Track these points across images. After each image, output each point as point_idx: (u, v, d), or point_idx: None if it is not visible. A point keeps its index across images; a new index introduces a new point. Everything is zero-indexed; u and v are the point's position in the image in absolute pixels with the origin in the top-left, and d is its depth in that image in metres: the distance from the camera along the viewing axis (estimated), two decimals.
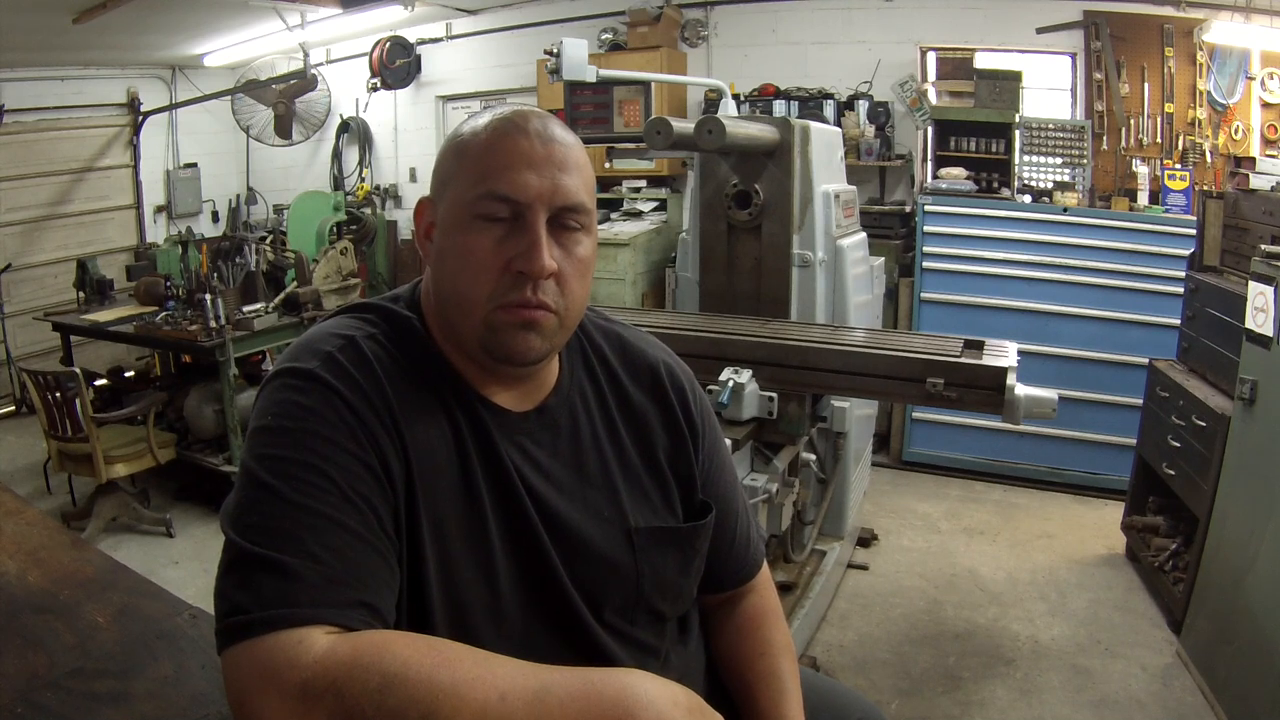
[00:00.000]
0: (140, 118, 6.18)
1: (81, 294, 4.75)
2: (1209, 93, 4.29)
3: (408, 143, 6.38)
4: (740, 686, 1.05)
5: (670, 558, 0.99)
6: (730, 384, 2.26)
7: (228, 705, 0.78)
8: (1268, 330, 2.35)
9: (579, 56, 2.65)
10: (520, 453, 0.91)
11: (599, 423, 0.99)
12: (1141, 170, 4.34)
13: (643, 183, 5.45)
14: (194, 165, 6.63)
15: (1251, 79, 4.25)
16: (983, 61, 4.65)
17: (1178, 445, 2.97)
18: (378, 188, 6.48)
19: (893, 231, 4.67)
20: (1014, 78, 4.51)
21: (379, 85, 6.07)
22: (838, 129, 3.94)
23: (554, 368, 0.98)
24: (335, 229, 5.71)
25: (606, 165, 5.01)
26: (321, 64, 6.33)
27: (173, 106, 6.29)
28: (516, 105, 0.93)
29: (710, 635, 1.11)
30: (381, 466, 0.81)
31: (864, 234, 3.26)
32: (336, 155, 6.61)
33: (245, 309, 4.01)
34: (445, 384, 0.90)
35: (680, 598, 1.02)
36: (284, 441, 0.79)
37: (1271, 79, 4.22)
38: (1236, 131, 4.29)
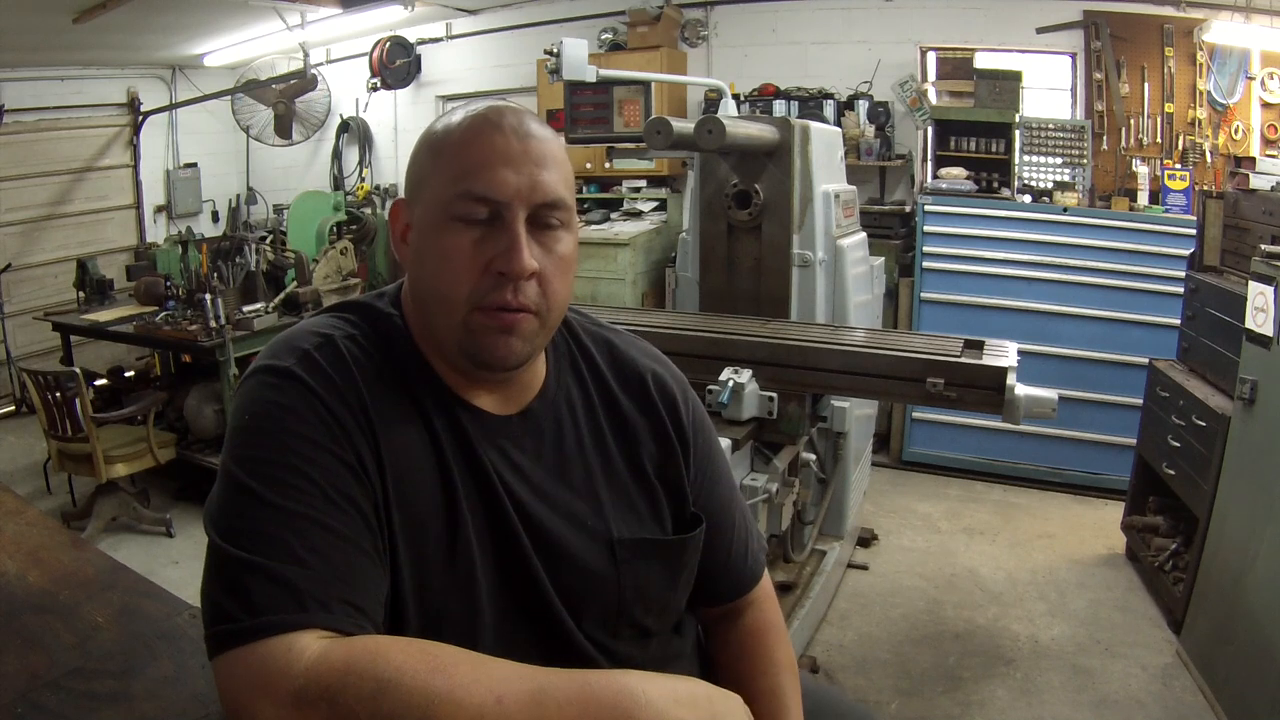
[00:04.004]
0: (140, 118, 6.18)
1: (81, 294, 4.74)
2: (1209, 93, 4.29)
3: (408, 143, 6.30)
4: None
5: (655, 570, 0.95)
6: (730, 384, 2.26)
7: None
8: (1268, 330, 2.35)
9: (579, 56, 2.65)
10: (501, 456, 0.89)
11: (585, 429, 0.96)
12: (1141, 170, 4.34)
13: (643, 183, 5.45)
14: (194, 165, 6.62)
15: (1251, 79, 4.25)
16: (983, 61, 4.65)
17: (1178, 445, 2.97)
18: (378, 188, 6.48)
19: (893, 231, 4.67)
20: (1014, 78, 4.51)
21: (379, 85, 6.06)
22: (838, 129, 3.93)
23: (539, 371, 0.95)
24: (335, 229, 5.71)
25: (606, 165, 5.03)
26: (321, 64, 6.33)
27: (173, 106, 6.29)
28: (492, 102, 0.89)
29: (710, 650, 1.09)
30: (359, 465, 0.81)
31: (864, 234, 3.26)
32: (336, 155, 6.60)
33: (245, 309, 4.01)
34: (424, 386, 0.88)
35: (665, 612, 0.99)
36: (263, 443, 0.79)
37: (1271, 79, 4.22)
38: (1236, 131, 4.29)
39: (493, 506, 0.87)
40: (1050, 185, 4.44)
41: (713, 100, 4.51)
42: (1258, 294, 2.40)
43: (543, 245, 0.85)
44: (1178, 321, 3.31)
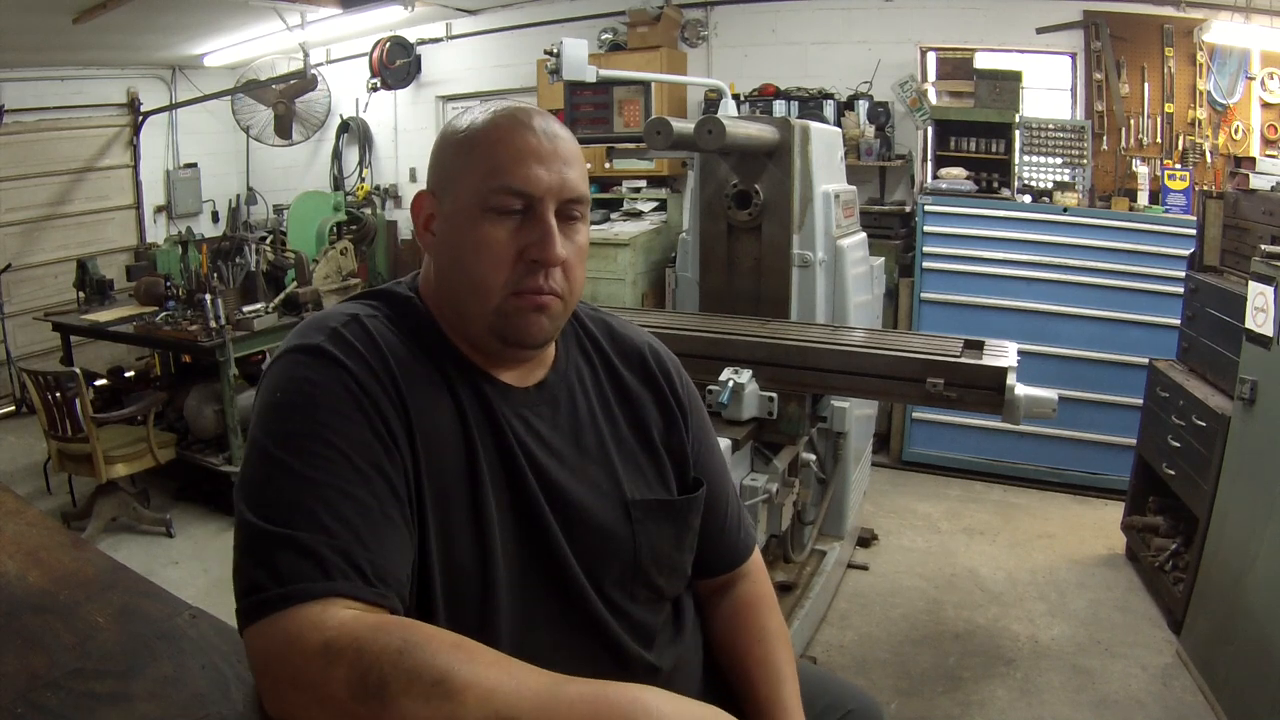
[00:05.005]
0: (140, 118, 6.18)
1: (81, 294, 4.74)
2: (1209, 93, 4.29)
3: (408, 143, 6.38)
4: (737, 673, 1.07)
5: (666, 530, 1.01)
6: (730, 384, 2.26)
7: (229, 706, 0.78)
8: (1268, 330, 2.35)
9: (579, 56, 2.65)
10: (523, 424, 0.95)
11: (595, 400, 1.03)
12: (1141, 170, 4.34)
13: (643, 183, 5.45)
14: (194, 165, 6.63)
15: (1251, 79, 4.25)
16: (983, 61, 4.65)
17: (1178, 445, 2.97)
18: (378, 188, 6.48)
19: (893, 231, 4.67)
20: (1014, 78, 4.51)
21: (379, 85, 6.07)
22: (838, 129, 3.94)
23: (550, 348, 1.02)
24: (335, 229, 5.71)
25: (606, 165, 5.03)
26: (321, 64, 6.33)
27: (173, 106, 6.29)
28: (511, 102, 0.96)
29: (705, 623, 1.12)
30: (389, 435, 0.84)
31: (864, 234, 3.26)
32: (336, 155, 6.61)
33: (245, 309, 4.01)
34: (448, 361, 0.93)
35: (676, 573, 1.04)
36: (293, 416, 0.82)
37: (1271, 79, 4.22)
38: (1236, 131, 4.29)
39: (512, 471, 0.92)
40: (1050, 185, 4.45)
41: (713, 100, 4.51)
42: (1258, 294, 2.40)
43: (566, 235, 0.92)
44: (1178, 321, 3.31)
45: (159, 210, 6.50)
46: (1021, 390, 2.12)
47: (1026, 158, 4.49)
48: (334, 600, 0.73)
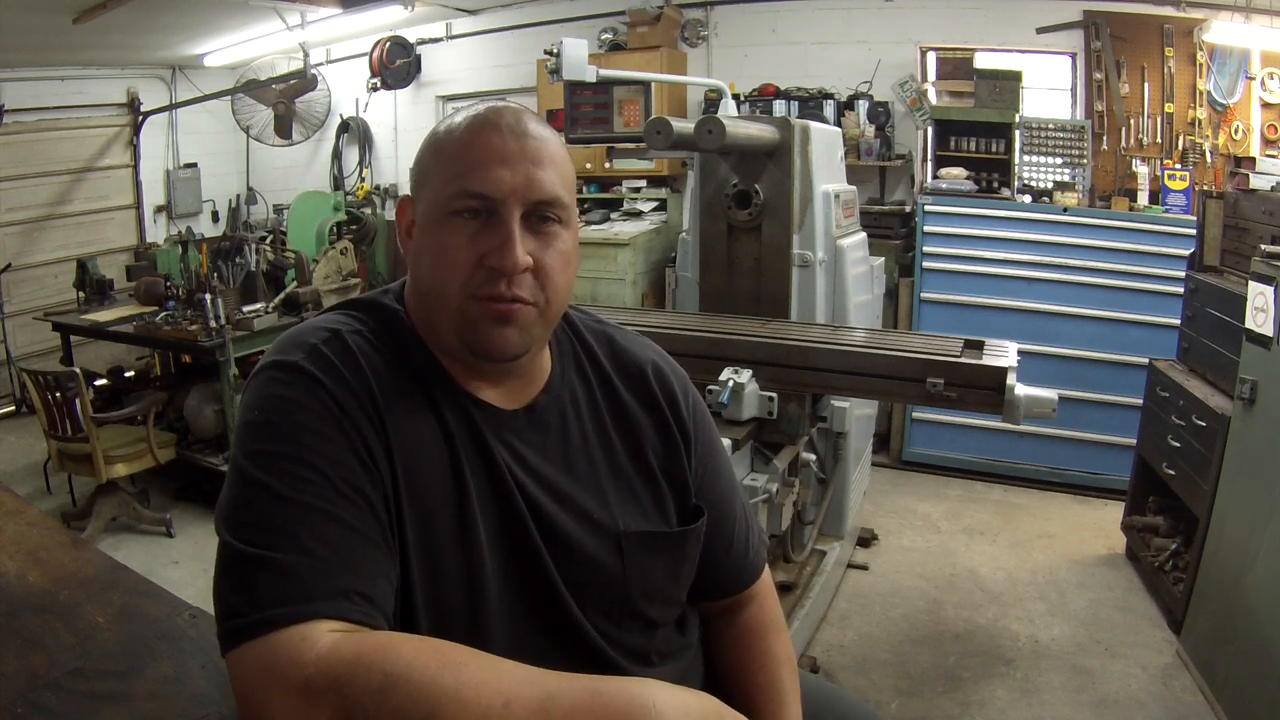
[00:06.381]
0: (140, 118, 6.18)
1: (81, 294, 4.74)
2: (1209, 93, 4.29)
3: (408, 143, 6.38)
4: (740, 699, 1.03)
5: (659, 563, 0.97)
6: (730, 384, 2.26)
7: (229, 706, 0.78)
8: (1268, 330, 2.35)
9: (579, 56, 2.65)
10: (509, 451, 0.90)
11: (589, 424, 0.98)
12: (1141, 170, 4.34)
13: (643, 183, 5.45)
14: (194, 165, 6.63)
15: (1251, 79, 4.25)
16: (983, 61, 4.65)
17: (1178, 445, 2.97)
18: (378, 188, 6.48)
19: (893, 231, 4.67)
20: (1014, 78, 4.51)
21: (379, 85, 6.07)
22: (838, 129, 3.93)
23: (544, 366, 0.97)
24: (335, 229, 5.71)
25: (606, 165, 5.04)
26: (321, 64, 6.33)
27: (173, 106, 6.29)
28: (494, 102, 0.92)
29: (709, 645, 1.09)
30: (368, 456, 0.81)
31: (864, 234, 3.26)
32: (336, 155, 6.61)
33: (245, 309, 4.01)
34: (433, 380, 0.89)
35: (669, 603, 1.00)
36: (272, 436, 0.79)
37: (1271, 79, 4.22)
38: (1236, 131, 4.29)
39: (503, 498, 0.88)
40: (1050, 185, 4.45)
41: (713, 100, 4.51)
42: (1258, 294, 2.40)
43: (540, 241, 0.87)
44: (1178, 321, 3.31)
45: (159, 210, 6.50)
46: (1021, 390, 2.12)
47: (1026, 158, 4.49)
48: (315, 623, 0.70)
